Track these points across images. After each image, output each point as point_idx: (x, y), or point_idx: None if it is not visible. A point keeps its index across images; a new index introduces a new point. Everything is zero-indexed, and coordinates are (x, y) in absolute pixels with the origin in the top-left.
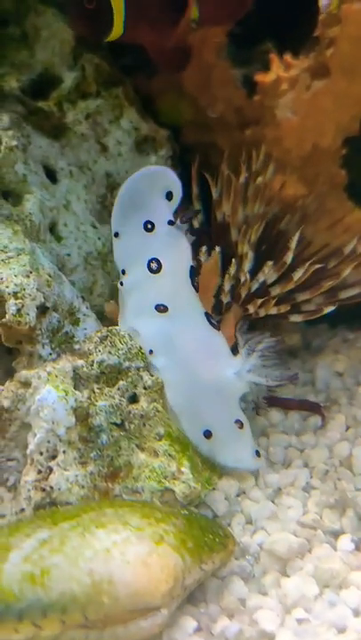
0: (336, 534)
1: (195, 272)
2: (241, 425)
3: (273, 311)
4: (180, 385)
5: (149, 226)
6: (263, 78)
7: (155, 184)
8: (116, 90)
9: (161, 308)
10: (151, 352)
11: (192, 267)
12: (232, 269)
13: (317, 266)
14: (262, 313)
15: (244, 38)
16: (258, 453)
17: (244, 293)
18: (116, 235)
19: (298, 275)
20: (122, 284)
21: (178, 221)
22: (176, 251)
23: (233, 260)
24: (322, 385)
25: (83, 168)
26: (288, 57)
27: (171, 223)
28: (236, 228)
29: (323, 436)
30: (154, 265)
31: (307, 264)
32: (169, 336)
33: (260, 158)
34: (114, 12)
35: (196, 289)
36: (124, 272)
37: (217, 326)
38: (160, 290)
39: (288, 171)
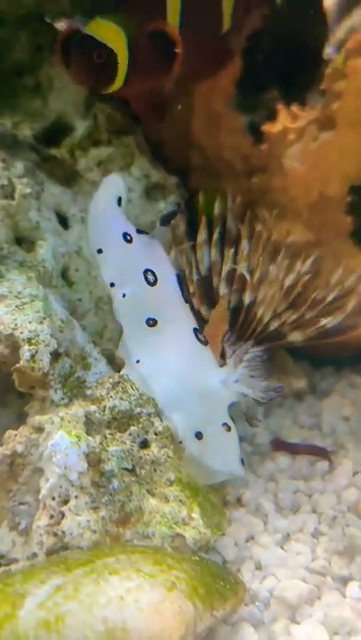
0: (345, 581)
1: (180, 280)
2: (228, 428)
3: (275, 324)
4: (170, 390)
5: (128, 237)
6: (271, 128)
7: (111, 194)
8: (127, 138)
9: (151, 323)
10: (138, 362)
11: (178, 274)
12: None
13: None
14: (266, 318)
15: (249, 85)
16: (243, 462)
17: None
18: (100, 251)
19: (288, 280)
20: (124, 295)
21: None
22: (161, 259)
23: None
24: (328, 429)
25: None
26: (295, 108)
27: (139, 232)
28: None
29: (330, 481)
30: (150, 277)
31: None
32: (159, 347)
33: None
34: (119, 64)
35: (186, 299)
36: (112, 285)
37: (204, 342)
38: (156, 302)
39: (294, 218)
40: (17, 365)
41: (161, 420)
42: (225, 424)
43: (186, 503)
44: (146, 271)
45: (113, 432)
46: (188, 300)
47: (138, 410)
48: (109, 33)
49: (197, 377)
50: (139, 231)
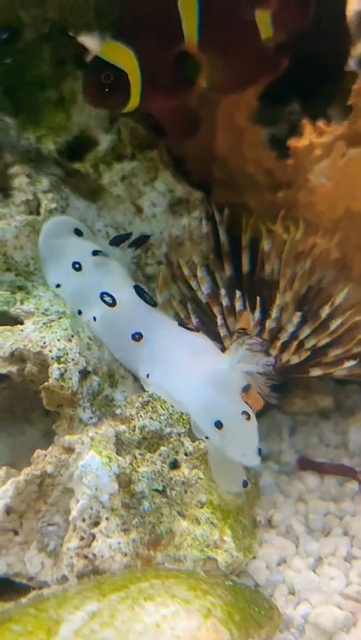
0: None
1: (140, 289)
2: (248, 416)
3: (295, 359)
4: (183, 389)
5: (77, 265)
6: (296, 143)
7: (61, 230)
8: (151, 153)
9: (137, 337)
10: (148, 376)
11: (136, 285)
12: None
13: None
14: (284, 358)
15: (270, 98)
16: (260, 451)
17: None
18: (58, 286)
19: (335, 324)
20: (95, 318)
21: (109, 245)
22: (113, 276)
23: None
24: (355, 448)
25: (119, 229)
26: (321, 123)
27: (95, 253)
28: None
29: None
30: (108, 299)
31: (347, 313)
32: (158, 355)
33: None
34: (131, 85)
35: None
36: (80, 312)
37: (195, 329)
38: (126, 319)
39: (321, 234)
40: (45, 384)
41: (192, 441)
42: (245, 412)
43: (217, 526)
44: (102, 294)
45: (143, 452)
46: (153, 303)
47: (168, 430)
48: (119, 54)
49: (204, 365)
50: (95, 252)
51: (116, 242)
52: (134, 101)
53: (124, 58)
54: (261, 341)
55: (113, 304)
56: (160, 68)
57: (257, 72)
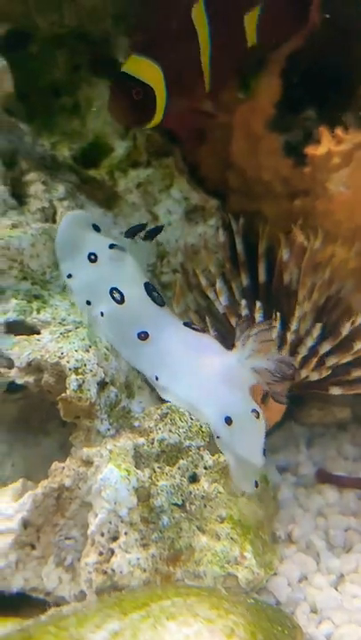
0: None
1: (151, 287)
2: (258, 415)
3: (314, 376)
4: (192, 388)
5: (92, 257)
6: (314, 151)
7: (80, 224)
8: (166, 160)
9: (142, 336)
10: (157, 378)
11: (146, 283)
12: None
13: None
14: (303, 374)
15: (284, 105)
16: (265, 452)
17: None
18: (70, 276)
19: (358, 346)
20: (102, 314)
21: (124, 237)
22: (126, 272)
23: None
24: None
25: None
26: (339, 131)
27: (112, 247)
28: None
29: None
30: (117, 295)
31: None
32: (164, 356)
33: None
34: (157, 100)
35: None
36: (89, 303)
37: (201, 329)
38: (132, 317)
39: (339, 242)
40: (63, 395)
41: (211, 454)
42: (254, 410)
43: (238, 541)
44: (112, 290)
45: (162, 465)
46: (161, 302)
47: (187, 443)
48: (146, 69)
49: (212, 364)
50: (112, 246)
51: (131, 233)
52: (158, 117)
53: (151, 73)
54: (266, 327)
55: (121, 301)
56: (186, 82)
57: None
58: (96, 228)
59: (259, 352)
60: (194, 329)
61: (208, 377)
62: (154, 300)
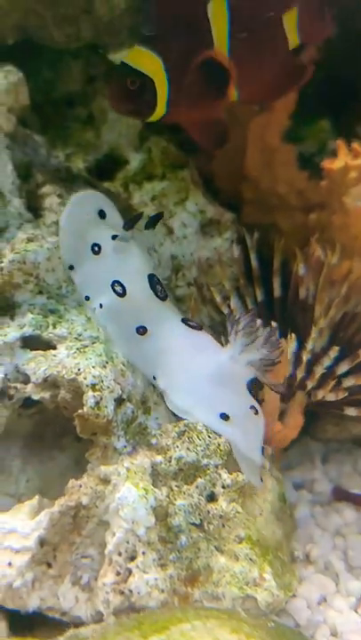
0: None
1: (155, 280)
2: (256, 412)
3: (331, 397)
4: (185, 386)
5: (96, 248)
6: (331, 165)
7: (85, 208)
8: (181, 172)
9: (141, 331)
10: (155, 378)
11: (150, 275)
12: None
13: None
14: (320, 395)
15: (298, 116)
16: (263, 451)
17: (301, 374)
18: (71, 267)
19: None
20: (101, 305)
21: (123, 229)
22: (130, 264)
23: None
24: None
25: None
26: (357, 145)
27: (114, 237)
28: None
29: None
30: (118, 288)
31: None
32: (160, 352)
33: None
34: (157, 92)
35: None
36: (87, 298)
37: (198, 327)
38: (133, 311)
39: (356, 257)
40: (80, 412)
41: (229, 473)
42: (252, 407)
43: (257, 562)
44: (113, 283)
45: (180, 484)
46: (164, 297)
47: (205, 461)
48: (145, 60)
49: (206, 362)
50: (115, 237)
51: (129, 224)
52: (160, 110)
53: (151, 64)
54: (253, 317)
55: (123, 294)
56: (188, 76)
57: (287, 81)
58: (102, 214)
59: (249, 345)
60: (191, 326)
61: (202, 376)
62: (156, 293)
